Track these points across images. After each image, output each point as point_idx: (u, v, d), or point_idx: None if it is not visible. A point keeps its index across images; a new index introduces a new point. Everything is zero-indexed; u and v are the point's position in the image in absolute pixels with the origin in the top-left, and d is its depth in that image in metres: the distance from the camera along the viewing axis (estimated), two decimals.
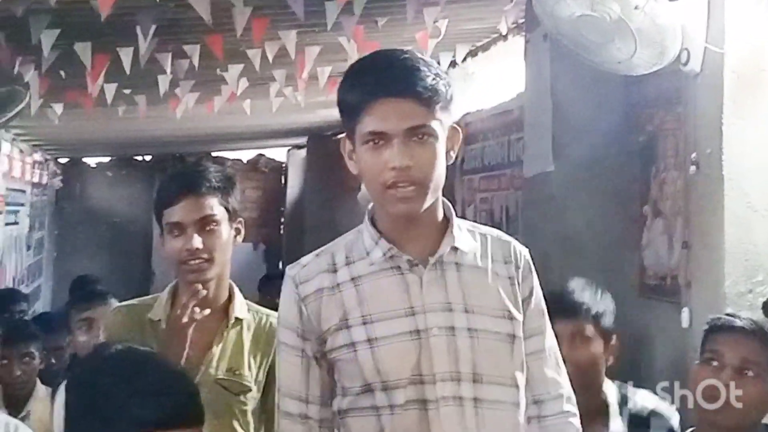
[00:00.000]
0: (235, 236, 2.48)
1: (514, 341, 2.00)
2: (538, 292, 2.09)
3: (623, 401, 2.77)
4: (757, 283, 3.09)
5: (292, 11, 3.70)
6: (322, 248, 2.07)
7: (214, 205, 2.42)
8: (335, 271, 2.00)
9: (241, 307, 2.50)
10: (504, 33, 5.06)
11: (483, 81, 6.07)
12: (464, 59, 5.69)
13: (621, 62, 3.19)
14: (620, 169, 4.03)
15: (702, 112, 3.24)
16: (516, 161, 4.97)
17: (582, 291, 2.80)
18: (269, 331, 2.49)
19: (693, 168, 3.26)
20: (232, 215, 2.47)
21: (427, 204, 1.94)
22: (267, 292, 6.10)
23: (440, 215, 2.02)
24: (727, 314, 2.39)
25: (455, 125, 2.00)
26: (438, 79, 1.92)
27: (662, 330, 3.64)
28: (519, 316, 2.01)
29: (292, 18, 3.88)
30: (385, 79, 1.90)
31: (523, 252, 2.08)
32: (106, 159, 12.84)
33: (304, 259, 2.05)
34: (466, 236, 2.03)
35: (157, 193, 2.49)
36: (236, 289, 2.52)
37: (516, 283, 2.03)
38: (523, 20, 4.65)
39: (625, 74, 3.39)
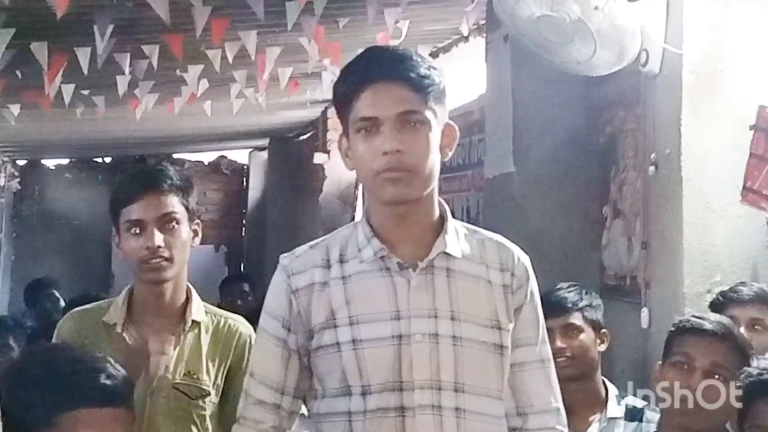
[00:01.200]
0: (193, 237, 2.44)
1: (502, 352, 1.95)
2: (534, 302, 2.03)
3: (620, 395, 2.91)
4: (715, 283, 3.10)
5: (252, 11, 3.67)
6: (318, 240, 2.04)
7: (175, 204, 2.38)
8: (329, 266, 1.97)
9: (198, 309, 2.46)
10: (465, 34, 5.06)
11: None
12: None
13: (581, 63, 3.20)
14: (580, 169, 4.05)
15: (661, 112, 3.26)
16: (477, 162, 4.97)
17: (568, 289, 2.96)
18: (227, 333, 2.46)
19: (652, 168, 3.28)
20: (191, 215, 2.43)
21: (417, 192, 1.91)
22: (228, 293, 6.06)
23: (435, 215, 1.98)
24: (695, 316, 2.36)
25: (451, 123, 1.98)
26: (432, 69, 1.92)
27: (622, 330, 3.64)
28: (509, 326, 1.96)
29: (252, 18, 3.85)
30: (376, 65, 1.90)
31: (522, 259, 2.03)
32: (65, 161, 12.68)
33: (298, 250, 2.03)
34: (462, 241, 1.99)
35: (115, 191, 2.43)
36: (193, 292, 2.47)
37: (510, 291, 1.98)
38: (484, 21, 4.65)
39: (585, 75, 3.41)
